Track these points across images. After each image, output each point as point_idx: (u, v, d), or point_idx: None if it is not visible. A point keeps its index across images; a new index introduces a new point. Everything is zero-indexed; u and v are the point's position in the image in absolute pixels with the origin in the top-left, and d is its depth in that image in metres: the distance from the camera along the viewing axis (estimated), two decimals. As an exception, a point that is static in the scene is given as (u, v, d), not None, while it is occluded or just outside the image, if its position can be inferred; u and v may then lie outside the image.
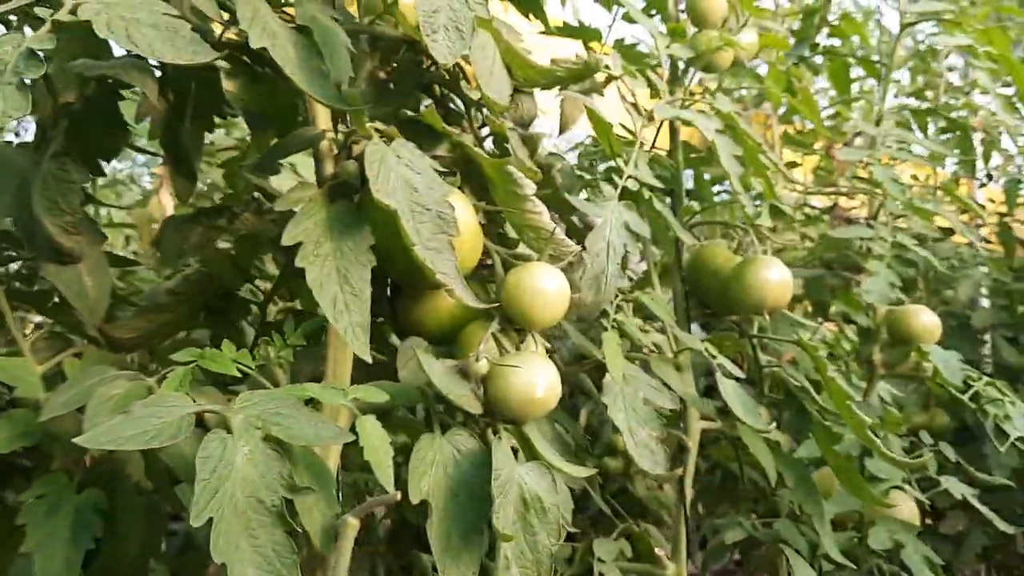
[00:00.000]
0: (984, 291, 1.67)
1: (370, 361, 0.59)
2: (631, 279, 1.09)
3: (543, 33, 0.96)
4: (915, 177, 1.46)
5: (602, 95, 0.95)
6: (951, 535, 1.39)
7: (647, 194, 0.77)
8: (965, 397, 1.04)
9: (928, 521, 1.38)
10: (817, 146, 1.30)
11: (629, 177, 0.76)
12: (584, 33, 1.04)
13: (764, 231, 0.89)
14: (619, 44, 1.08)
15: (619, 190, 0.75)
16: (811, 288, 1.14)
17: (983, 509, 1.11)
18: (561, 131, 1.03)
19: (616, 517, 1.02)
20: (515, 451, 0.65)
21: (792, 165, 1.37)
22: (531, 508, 0.63)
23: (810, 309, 1.24)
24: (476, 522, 0.62)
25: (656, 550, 0.86)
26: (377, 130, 0.62)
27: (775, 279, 0.86)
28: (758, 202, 1.13)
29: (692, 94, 0.92)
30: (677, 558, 0.88)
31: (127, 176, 2.46)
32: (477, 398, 0.64)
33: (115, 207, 2.16)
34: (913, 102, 1.58)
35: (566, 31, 1.04)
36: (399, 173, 0.60)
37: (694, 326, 1.15)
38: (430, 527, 0.60)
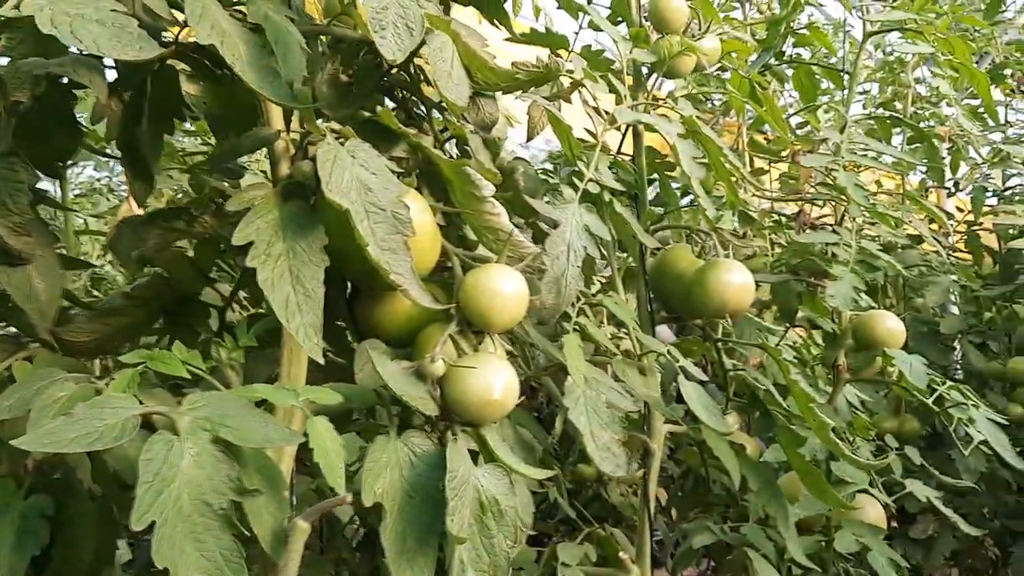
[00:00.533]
0: (954, 298, 1.69)
1: (322, 362, 0.59)
2: (601, 283, 1.09)
3: (508, 40, 0.96)
4: (878, 183, 1.48)
5: (569, 101, 0.95)
6: (921, 539, 1.40)
7: (608, 197, 0.78)
8: (929, 400, 1.04)
9: (898, 525, 1.39)
10: (784, 153, 1.31)
11: (590, 180, 0.76)
12: (551, 40, 1.05)
13: (727, 235, 0.90)
14: (586, 50, 1.08)
15: (580, 193, 0.75)
16: (778, 294, 1.15)
17: (948, 512, 1.12)
18: (529, 138, 1.03)
19: (583, 522, 1.02)
20: (476, 455, 0.65)
21: (759, 172, 1.38)
22: (488, 510, 0.62)
23: (778, 314, 1.25)
24: (432, 525, 0.61)
25: (620, 554, 0.85)
26: (333, 130, 0.62)
27: (737, 282, 0.87)
28: (731, 211, 1.14)
29: (656, 99, 0.93)
30: (641, 561, 0.87)
31: (104, 186, 2.43)
32: (433, 400, 0.63)
33: (92, 216, 2.13)
34: (882, 112, 1.60)
35: (532, 37, 1.04)
36: (353, 173, 0.60)
37: (667, 330, 1.16)
38: (384, 530, 0.60)
